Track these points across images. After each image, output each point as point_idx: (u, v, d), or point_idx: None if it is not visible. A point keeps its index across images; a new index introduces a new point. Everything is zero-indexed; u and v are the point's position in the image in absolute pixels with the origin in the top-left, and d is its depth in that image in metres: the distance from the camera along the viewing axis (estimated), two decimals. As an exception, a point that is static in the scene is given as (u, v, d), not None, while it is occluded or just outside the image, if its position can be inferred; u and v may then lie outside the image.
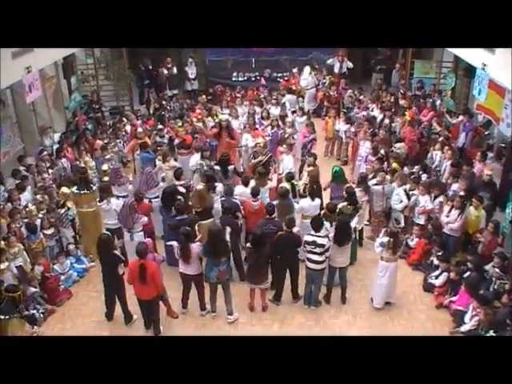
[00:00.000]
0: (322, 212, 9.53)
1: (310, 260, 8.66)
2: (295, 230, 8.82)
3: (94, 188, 10.53)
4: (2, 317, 7.56)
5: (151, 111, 16.38)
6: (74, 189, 10.42)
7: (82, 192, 10.31)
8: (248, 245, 8.81)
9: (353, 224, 9.28)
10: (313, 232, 8.60)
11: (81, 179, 10.48)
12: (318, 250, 8.50)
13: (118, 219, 9.58)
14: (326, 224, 8.95)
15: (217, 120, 13.59)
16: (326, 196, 10.99)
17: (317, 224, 8.65)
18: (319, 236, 8.53)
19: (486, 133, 12.53)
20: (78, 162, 12.07)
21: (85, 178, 10.49)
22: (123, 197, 10.35)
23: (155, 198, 10.44)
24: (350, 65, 17.72)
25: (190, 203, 9.92)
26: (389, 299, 9.07)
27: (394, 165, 11.23)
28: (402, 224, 10.44)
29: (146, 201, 9.99)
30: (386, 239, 8.64)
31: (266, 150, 11.82)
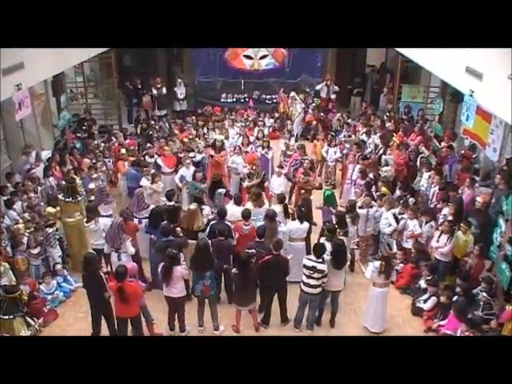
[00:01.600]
0: (320, 233, 9.49)
1: (307, 284, 8.59)
2: (289, 257, 8.87)
3: (80, 198, 10.54)
4: (7, 317, 7.61)
5: (139, 131, 16.36)
6: (60, 196, 10.46)
7: (66, 200, 10.34)
8: (234, 270, 8.77)
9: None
10: (313, 257, 8.56)
11: (68, 188, 10.48)
12: (316, 275, 8.46)
13: (105, 239, 9.51)
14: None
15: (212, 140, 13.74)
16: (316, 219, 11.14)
17: (319, 250, 8.57)
18: (319, 262, 8.47)
19: (474, 156, 12.64)
20: (64, 182, 11.99)
21: (72, 187, 10.49)
22: (107, 216, 10.32)
23: (145, 218, 10.34)
24: (336, 88, 17.98)
25: (181, 223, 9.86)
26: (378, 328, 9.01)
27: (383, 189, 11.29)
28: (395, 249, 10.46)
29: (135, 221, 9.93)
30: (378, 263, 8.64)
31: (259, 171, 11.88)
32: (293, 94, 17.61)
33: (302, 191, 11.14)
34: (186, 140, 14.12)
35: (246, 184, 11.83)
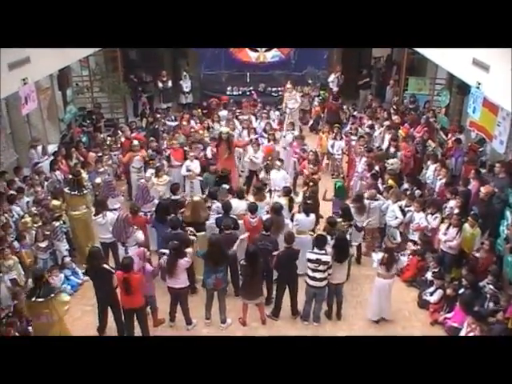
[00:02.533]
0: (323, 226, 9.51)
1: (313, 278, 8.62)
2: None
3: (85, 192, 10.57)
4: (49, 297, 7.64)
5: (144, 124, 16.34)
6: (66, 189, 10.52)
7: (72, 193, 10.39)
8: (242, 261, 8.80)
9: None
10: (316, 250, 8.58)
11: (74, 181, 10.51)
12: (321, 267, 8.49)
13: (111, 233, 9.56)
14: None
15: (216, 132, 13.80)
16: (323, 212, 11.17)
17: (321, 242, 8.61)
18: (323, 254, 8.51)
19: (480, 149, 12.59)
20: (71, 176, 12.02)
21: (78, 180, 10.53)
22: (115, 209, 10.36)
23: (150, 212, 10.38)
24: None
25: (185, 216, 9.90)
26: (383, 315, 9.08)
27: (390, 181, 11.26)
28: (399, 239, 10.46)
29: (141, 214, 9.96)
30: (381, 255, 8.67)
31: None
32: (289, 85, 17.38)
33: (311, 184, 11.09)
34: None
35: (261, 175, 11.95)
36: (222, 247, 8.69)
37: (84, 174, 11.36)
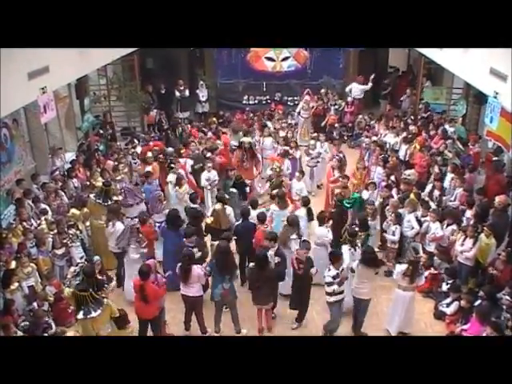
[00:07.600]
0: (343, 238, 9.42)
1: (335, 293, 8.37)
2: (313, 270, 8.71)
3: (110, 203, 10.52)
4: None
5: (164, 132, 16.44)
6: (92, 196, 10.61)
7: (97, 201, 10.46)
8: (251, 265, 8.77)
9: None
10: (332, 267, 8.37)
11: (102, 190, 10.60)
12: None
13: (116, 240, 9.59)
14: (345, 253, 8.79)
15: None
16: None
17: (336, 258, 8.41)
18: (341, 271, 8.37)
19: (496, 159, 12.48)
20: (88, 183, 12.11)
21: (107, 190, 10.60)
22: (134, 218, 10.41)
23: (160, 222, 10.46)
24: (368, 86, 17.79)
25: (209, 223, 9.99)
26: (402, 329, 8.92)
27: (411, 196, 10.99)
28: (421, 253, 10.14)
29: (151, 223, 10.04)
30: (404, 266, 8.55)
31: (281, 173, 11.91)
32: (307, 97, 17.54)
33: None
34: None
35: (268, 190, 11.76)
36: (230, 255, 8.71)
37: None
